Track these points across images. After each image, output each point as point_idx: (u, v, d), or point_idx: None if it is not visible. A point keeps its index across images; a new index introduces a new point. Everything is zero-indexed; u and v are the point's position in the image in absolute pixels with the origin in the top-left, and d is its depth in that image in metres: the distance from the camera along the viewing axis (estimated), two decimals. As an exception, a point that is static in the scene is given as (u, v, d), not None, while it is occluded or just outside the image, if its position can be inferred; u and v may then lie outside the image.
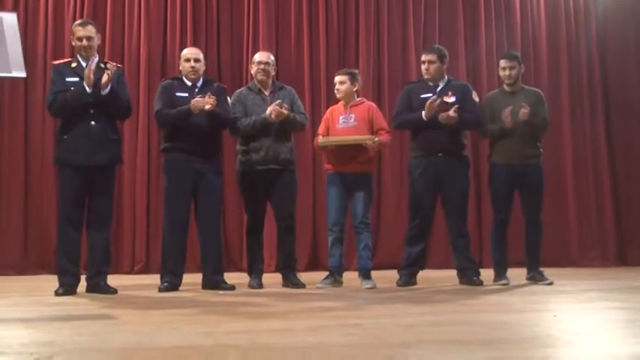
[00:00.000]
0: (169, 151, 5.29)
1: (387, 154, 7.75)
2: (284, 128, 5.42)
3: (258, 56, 5.64)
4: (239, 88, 5.90)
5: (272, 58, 5.67)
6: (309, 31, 7.94)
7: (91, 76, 4.78)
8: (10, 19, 3.23)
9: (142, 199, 7.45)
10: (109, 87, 4.86)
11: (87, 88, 4.81)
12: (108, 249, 5.09)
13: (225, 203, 7.47)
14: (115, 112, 5.04)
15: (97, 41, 5.07)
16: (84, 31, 4.99)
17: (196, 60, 5.33)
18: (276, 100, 5.36)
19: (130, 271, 7.30)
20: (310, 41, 7.94)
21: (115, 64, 5.02)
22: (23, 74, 3.43)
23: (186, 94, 5.22)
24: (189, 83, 5.32)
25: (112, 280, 5.10)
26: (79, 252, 4.96)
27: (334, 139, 5.50)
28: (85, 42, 4.97)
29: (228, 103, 5.42)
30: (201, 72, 5.37)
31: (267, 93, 5.52)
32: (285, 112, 5.31)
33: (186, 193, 5.20)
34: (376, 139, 5.39)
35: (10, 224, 7.21)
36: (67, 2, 7.53)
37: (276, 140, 5.39)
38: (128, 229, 7.45)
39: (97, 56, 5.01)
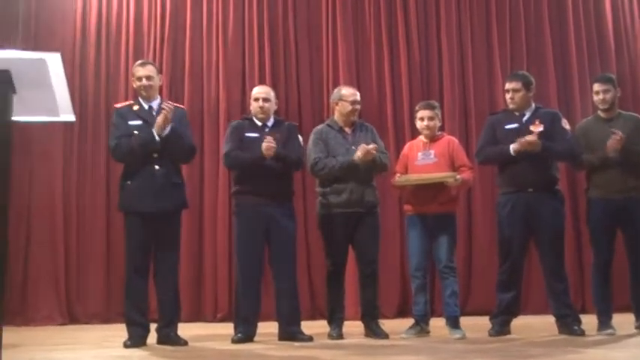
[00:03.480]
0: (240, 195, 5.07)
1: (477, 191, 7.32)
2: (368, 169, 5.12)
3: (348, 93, 5.29)
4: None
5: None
6: (390, 66, 7.62)
7: (163, 123, 4.64)
8: (55, 60, 3.00)
9: (223, 244, 7.23)
10: (168, 127, 4.70)
11: (155, 136, 4.68)
12: (177, 298, 4.91)
13: (310, 247, 7.22)
14: (178, 154, 4.87)
15: (158, 82, 4.95)
16: (144, 71, 4.89)
17: (265, 99, 5.09)
18: (361, 140, 5.09)
19: (213, 320, 7.08)
20: (392, 76, 7.62)
21: (172, 103, 4.82)
22: (72, 118, 3.23)
23: (256, 135, 5.01)
24: (259, 123, 5.10)
25: (191, 329, 4.91)
26: (146, 302, 4.81)
27: (412, 177, 5.14)
28: (144, 81, 4.85)
29: (299, 142, 5.18)
30: (271, 112, 5.13)
31: (348, 131, 5.25)
32: (375, 152, 5.01)
33: (258, 238, 4.96)
34: (458, 176, 5.01)
35: (94, 272, 7.14)
36: (147, 49, 7.53)
37: (360, 182, 5.09)
38: (209, 275, 7.26)
39: (159, 98, 4.87)
